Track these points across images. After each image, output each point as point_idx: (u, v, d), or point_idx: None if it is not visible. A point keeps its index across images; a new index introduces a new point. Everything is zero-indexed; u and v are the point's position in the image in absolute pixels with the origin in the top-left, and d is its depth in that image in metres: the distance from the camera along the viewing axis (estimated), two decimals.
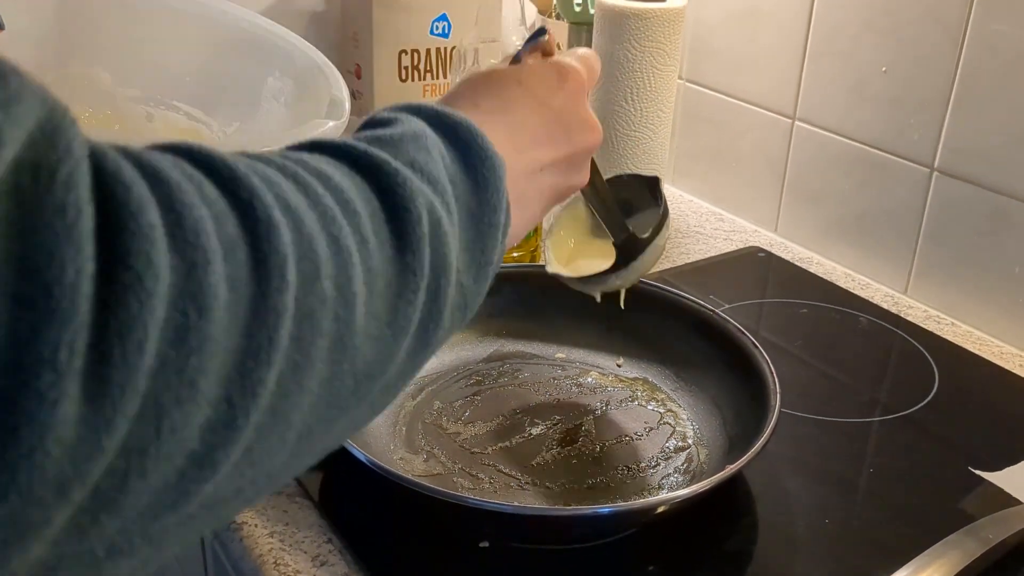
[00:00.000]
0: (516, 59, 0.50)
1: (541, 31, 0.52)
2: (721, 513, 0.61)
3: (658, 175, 0.69)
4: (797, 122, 0.97)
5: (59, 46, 0.55)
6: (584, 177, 0.50)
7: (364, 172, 0.35)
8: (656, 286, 0.77)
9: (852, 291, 0.91)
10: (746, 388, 0.67)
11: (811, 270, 0.95)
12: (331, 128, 0.51)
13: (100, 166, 0.23)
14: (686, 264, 0.95)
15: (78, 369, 0.22)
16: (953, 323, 0.87)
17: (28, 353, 0.21)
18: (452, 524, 0.59)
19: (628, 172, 0.71)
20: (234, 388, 0.26)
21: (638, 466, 0.65)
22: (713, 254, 0.98)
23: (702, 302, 0.75)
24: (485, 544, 0.58)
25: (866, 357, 0.81)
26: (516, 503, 0.60)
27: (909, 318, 0.87)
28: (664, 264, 0.95)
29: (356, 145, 0.36)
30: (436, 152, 0.38)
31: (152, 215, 0.24)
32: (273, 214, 0.28)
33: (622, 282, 0.66)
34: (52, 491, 0.22)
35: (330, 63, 0.57)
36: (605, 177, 0.60)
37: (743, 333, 0.70)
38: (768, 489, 0.63)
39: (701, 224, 1.05)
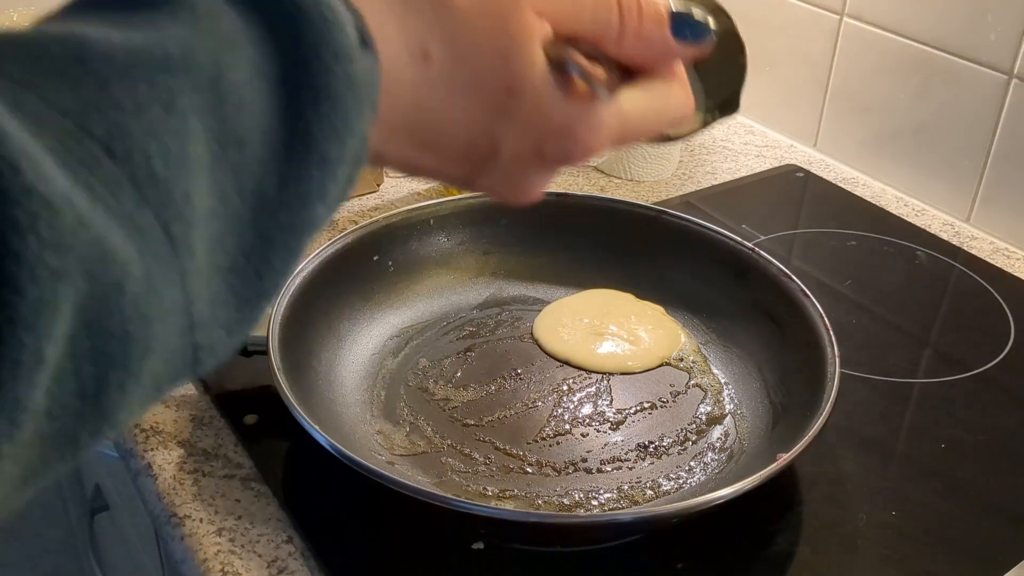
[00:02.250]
0: None
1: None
2: (760, 505, 0.50)
3: None
4: (846, 18, 0.83)
5: None
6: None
7: None
8: (679, 216, 0.65)
9: (905, 218, 0.79)
10: (793, 345, 0.56)
11: (856, 192, 0.83)
12: None
13: None
14: (712, 186, 0.83)
15: None
16: None
17: None
18: (439, 523, 0.48)
19: None
20: None
21: (663, 442, 0.54)
22: (743, 174, 0.85)
23: (735, 236, 0.63)
24: (480, 545, 0.48)
25: (927, 301, 0.69)
26: (516, 491, 0.50)
27: (972, 251, 0.75)
28: (687, 186, 0.83)
29: None
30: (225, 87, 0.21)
31: None
32: None
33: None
34: None
35: None
36: None
37: (789, 278, 0.59)
38: (818, 472, 0.53)
39: (728, 138, 0.92)
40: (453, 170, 0.30)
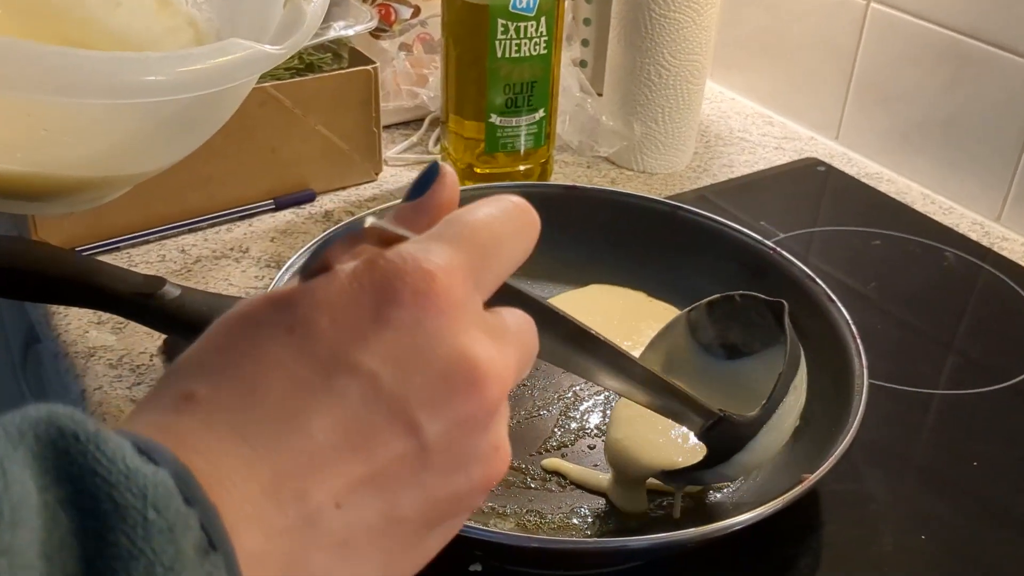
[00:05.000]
0: (312, 269, 0.25)
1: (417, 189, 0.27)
2: (780, 526, 0.46)
3: (782, 302, 0.47)
4: (873, 4, 0.79)
5: None
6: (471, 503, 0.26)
7: None
8: (696, 212, 0.61)
9: (932, 217, 0.75)
10: (816, 354, 0.52)
11: (880, 189, 0.79)
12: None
13: None
14: (728, 180, 0.79)
15: None
16: None
17: None
18: None
19: (740, 294, 0.50)
20: None
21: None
22: (762, 167, 0.81)
23: (754, 234, 0.59)
24: (477, 567, 0.44)
25: (956, 306, 0.66)
26: (517, 508, 0.47)
27: (1003, 252, 0.71)
28: (702, 179, 0.79)
29: None
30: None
31: None
32: None
33: (720, 477, 0.46)
34: None
35: None
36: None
37: (814, 280, 0.55)
38: (842, 491, 0.49)
39: (747, 129, 0.88)
40: None
